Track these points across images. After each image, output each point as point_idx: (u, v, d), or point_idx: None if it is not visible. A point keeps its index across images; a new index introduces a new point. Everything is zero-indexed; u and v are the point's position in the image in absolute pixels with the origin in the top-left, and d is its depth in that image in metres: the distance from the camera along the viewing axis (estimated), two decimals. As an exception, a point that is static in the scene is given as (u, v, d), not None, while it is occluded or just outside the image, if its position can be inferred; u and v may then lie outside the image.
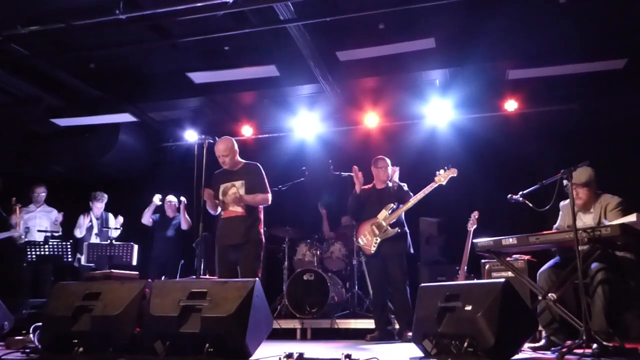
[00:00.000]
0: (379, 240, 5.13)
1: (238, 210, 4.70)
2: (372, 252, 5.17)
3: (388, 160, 5.38)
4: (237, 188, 4.70)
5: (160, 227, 7.12)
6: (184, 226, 6.97)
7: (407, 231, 5.29)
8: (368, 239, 5.19)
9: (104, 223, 7.19)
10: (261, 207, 4.84)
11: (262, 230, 4.79)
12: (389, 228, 5.11)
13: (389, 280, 5.20)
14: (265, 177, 4.84)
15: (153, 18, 5.12)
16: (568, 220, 4.13)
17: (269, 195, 4.80)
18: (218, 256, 4.78)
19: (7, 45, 5.65)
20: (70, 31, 5.23)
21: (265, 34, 5.76)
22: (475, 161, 6.72)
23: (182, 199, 7.07)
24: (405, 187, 5.26)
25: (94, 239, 7.02)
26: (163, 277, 6.56)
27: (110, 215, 7.34)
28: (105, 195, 7.29)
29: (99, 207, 7.22)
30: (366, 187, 5.39)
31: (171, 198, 7.18)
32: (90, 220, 7.14)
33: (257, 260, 4.68)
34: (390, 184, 5.31)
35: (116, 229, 7.15)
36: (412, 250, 5.32)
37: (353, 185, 5.37)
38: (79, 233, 7.06)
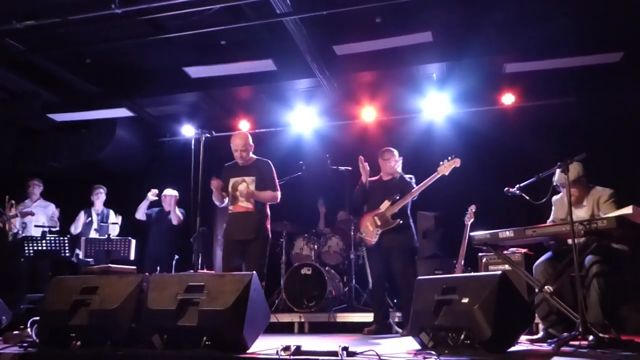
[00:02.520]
0: (379, 231, 5.10)
1: (247, 205, 4.72)
2: (373, 242, 5.14)
3: (395, 152, 5.30)
4: (247, 184, 4.71)
5: (156, 221, 7.07)
6: (174, 221, 6.89)
7: (412, 224, 5.22)
8: (369, 230, 5.16)
9: (103, 219, 7.16)
10: (268, 203, 4.86)
11: (269, 227, 4.82)
12: (390, 219, 5.07)
13: (391, 274, 5.17)
14: (275, 174, 4.85)
15: (149, 12, 5.10)
16: (561, 214, 4.14)
17: (279, 194, 4.84)
18: (224, 251, 4.79)
19: (3, 40, 5.63)
20: (66, 26, 5.22)
21: (262, 28, 5.74)
22: (472, 155, 6.65)
23: (175, 193, 7.04)
24: (407, 178, 5.21)
25: (93, 234, 6.99)
26: (158, 269, 6.57)
27: (111, 212, 7.30)
28: (104, 188, 7.26)
29: (100, 199, 7.18)
30: (373, 179, 5.34)
31: (168, 192, 7.15)
32: (90, 216, 7.11)
33: (263, 257, 4.72)
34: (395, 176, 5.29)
35: (114, 223, 7.12)
36: (417, 244, 5.28)
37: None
38: (73, 229, 7.01)
